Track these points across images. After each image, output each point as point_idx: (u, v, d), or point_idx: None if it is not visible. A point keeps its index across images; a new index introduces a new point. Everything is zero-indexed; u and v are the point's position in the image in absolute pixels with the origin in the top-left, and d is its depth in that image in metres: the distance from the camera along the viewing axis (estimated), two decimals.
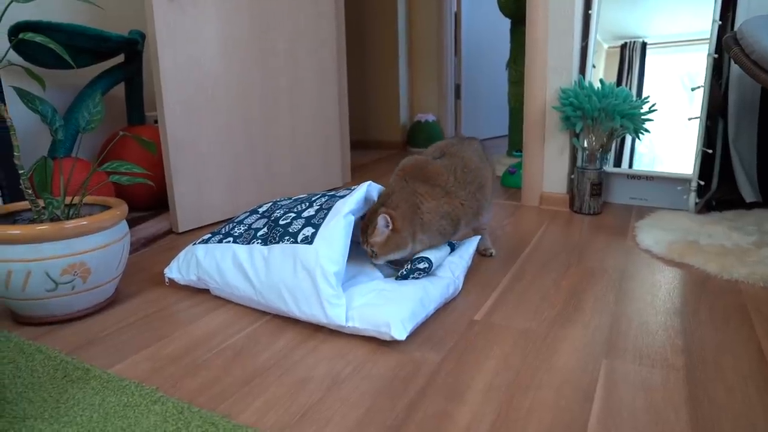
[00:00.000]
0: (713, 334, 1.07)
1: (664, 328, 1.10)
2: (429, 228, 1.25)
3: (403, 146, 3.90)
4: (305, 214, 1.23)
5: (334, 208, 1.20)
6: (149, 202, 2.02)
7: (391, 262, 1.31)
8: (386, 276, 1.28)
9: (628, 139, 2.05)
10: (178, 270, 1.34)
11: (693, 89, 1.90)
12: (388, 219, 1.18)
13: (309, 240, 1.14)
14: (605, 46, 2.04)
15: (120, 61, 2.05)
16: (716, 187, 1.97)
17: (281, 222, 1.24)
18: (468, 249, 1.39)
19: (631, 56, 2.01)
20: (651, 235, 1.65)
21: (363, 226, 1.24)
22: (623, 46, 2.02)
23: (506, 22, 3.82)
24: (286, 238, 1.18)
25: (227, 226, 1.36)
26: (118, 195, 1.98)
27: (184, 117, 1.77)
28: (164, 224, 1.85)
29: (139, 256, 1.61)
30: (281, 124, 2.14)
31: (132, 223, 1.85)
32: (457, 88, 3.91)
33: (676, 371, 0.94)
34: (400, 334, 1.02)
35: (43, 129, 1.95)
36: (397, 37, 3.75)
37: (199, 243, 1.34)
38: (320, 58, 2.30)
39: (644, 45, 1.99)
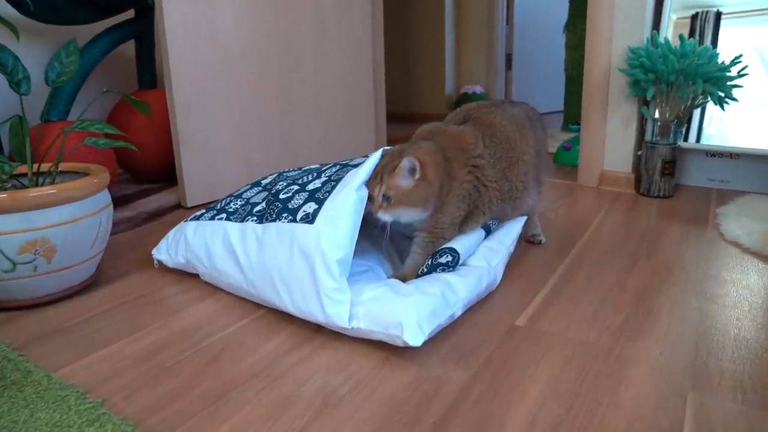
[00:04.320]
0: None
1: None
2: (450, 204, 0.99)
3: None
4: (310, 186, 1.01)
5: (343, 179, 0.97)
6: (160, 173, 1.85)
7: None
8: (392, 276, 1.02)
9: (696, 111, 1.73)
10: (167, 250, 1.15)
11: None
12: (416, 164, 0.92)
13: (310, 218, 0.92)
14: (673, 17, 1.74)
15: (131, 17, 1.87)
16: None
17: (281, 196, 1.02)
18: (510, 232, 1.13)
19: (702, 28, 1.71)
20: (739, 224, 1.35)
21: (379, 168, 0.96)
22: (694, 17, 1.72)
23: None
24: (284, 215, 0.96)
25: (224, 201, 1.16)
26: (125, 164, 1.81)
27: (193, 80, 1.57)
28: (172, 197, 1.67)
29: (137, 233, 1.44)
30: (305, 92, 1.92)
31: (137, 195, 1.68)
32: (509, 58, 3.60)
33: None
34: (415, 338, 0.79)
35: (42, 91, 1.78)
36: (444, 1, 3.46)
37: (190, 220, 1.15)
38: (351, 20, 2.06)
39: (718, 15, 1.70)
